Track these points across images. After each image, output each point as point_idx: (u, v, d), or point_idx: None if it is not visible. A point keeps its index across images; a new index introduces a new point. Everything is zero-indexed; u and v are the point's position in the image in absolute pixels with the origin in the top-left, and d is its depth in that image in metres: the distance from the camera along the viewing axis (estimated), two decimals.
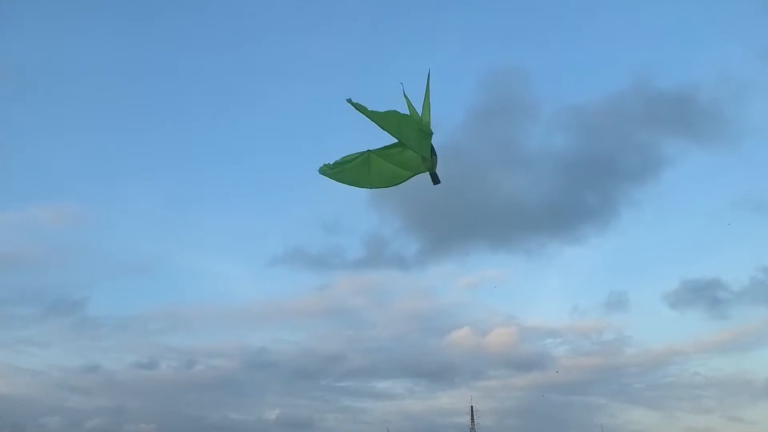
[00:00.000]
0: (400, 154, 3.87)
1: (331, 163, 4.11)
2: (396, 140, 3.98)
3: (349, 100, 4.21)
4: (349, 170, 3.95)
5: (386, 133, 4.16)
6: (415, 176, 3.99)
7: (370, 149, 4.00)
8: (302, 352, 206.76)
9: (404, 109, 4.38)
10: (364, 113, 4.19)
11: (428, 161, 3.92)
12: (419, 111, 4.43)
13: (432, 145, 4.01)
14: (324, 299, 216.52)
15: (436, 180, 3.94)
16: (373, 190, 4.12)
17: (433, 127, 4.36)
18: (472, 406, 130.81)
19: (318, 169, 4.08)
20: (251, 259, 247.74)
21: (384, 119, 4.08)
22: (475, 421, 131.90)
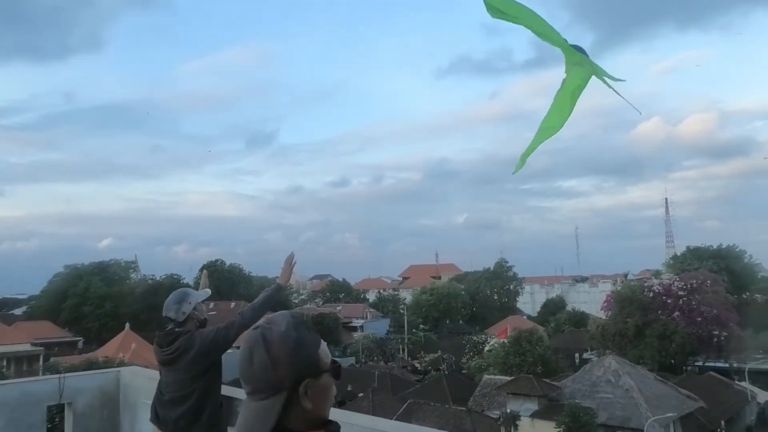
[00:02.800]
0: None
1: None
2: None
3: None
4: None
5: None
6: None
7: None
8: (483, 158, 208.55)
9: None
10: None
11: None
12: None
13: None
14: (498, 105, 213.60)
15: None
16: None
17: None
18: (666, 198, 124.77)
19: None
20: (422, 74, 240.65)
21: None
22: (671, 212, 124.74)
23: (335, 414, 3.47)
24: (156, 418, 3.80)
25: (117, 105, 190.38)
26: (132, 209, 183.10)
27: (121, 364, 30.62)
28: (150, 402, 4.85)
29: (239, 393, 3.96)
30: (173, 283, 75.29)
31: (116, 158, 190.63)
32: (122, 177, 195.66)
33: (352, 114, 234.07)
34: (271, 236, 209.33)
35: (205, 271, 4.90)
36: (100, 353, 42.41)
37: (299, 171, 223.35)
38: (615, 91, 2.82)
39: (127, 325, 50.81)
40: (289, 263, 3.98)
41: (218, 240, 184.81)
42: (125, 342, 46.88)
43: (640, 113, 2.94)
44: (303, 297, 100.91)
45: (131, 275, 77.72)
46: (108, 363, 30.08)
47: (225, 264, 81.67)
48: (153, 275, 77.99)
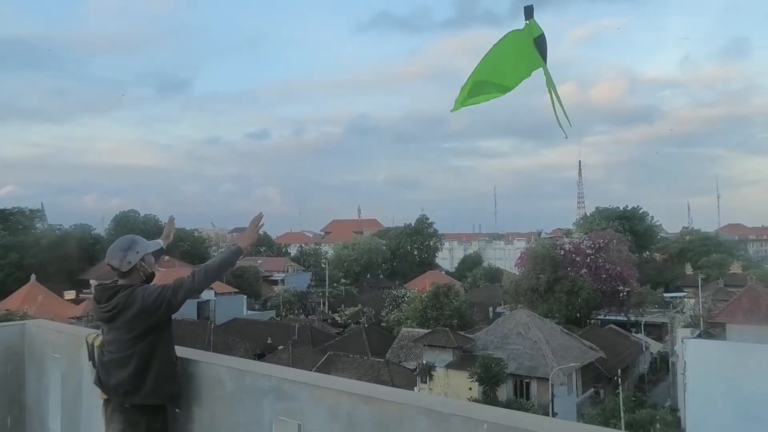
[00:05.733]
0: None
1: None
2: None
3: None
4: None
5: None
6: None
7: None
8: (405, 116, 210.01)
9: None
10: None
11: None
12: None
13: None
14: (419, 63, 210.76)
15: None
16: None
17: None
18: (579, 161, 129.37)
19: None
20: (343, 26, 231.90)
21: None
22: (583, 174, 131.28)
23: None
24: (98, 381, 3.44)
25: (15, 41, 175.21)
26: (36, 155, 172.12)
27: (24, 316, 29.20)
28: (58, 356, 4.66)
29: (195, 354, 3.66)
30: (83, 233, 71.96)
31: (15, 100, 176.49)
32: (23, 120, 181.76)
33: (272, 64, 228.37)
34: (189, 187, 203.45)
35: (171, 216, 4.44)
36: (2, 306, 40.25)
37: (218, 121, 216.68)
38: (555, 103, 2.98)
39: (33, 276, 48.33)
40: (255, 224, 3.61)
41: (131, 190, 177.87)
42: (31, 294, 44.68)
43: (566, 137, 3.17)
44: (222, 250, 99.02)
45: (37, 225, 73.42)
46: (10, 316, 28.59)
47: (139, 215, 78.59)
48: (61, 225, 74.13)
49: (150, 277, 3.56)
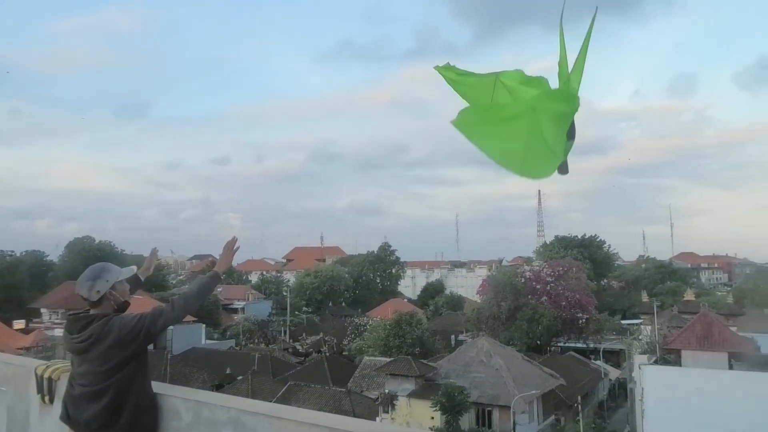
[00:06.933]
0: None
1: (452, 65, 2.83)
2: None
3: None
4: (472, 84, 2.86)
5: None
6: None
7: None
8: (368, 143, 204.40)
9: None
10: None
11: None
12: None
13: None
14: (382, 91, 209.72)
15: (564, 170, 2.77)
16: None
17: None
18: (539, 190, 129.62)
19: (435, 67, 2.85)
20: (305, 54, 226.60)
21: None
22: (543, 203, 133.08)
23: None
24: (66, 416, 3.25)
25: None
26: None
27: None
28: (5, 389, 4.46)
29: (170, 390, 3.52)
30: (35, 260, 69.63)
31: None
32: None
33: (235, 90, 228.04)
34: (147, 213, 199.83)
35: (155, 248, 4.22)
36: None
37: (178, 146, 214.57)
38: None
39: None
40: (230, 249, 3.52)
41: (87, 215, 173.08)
42: None
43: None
44: (181, 278, 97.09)
45: None
46: None
47: (94, 241, 76.51)
48: (12, 251, 71.57)
49: (123, 306, 3.42)
